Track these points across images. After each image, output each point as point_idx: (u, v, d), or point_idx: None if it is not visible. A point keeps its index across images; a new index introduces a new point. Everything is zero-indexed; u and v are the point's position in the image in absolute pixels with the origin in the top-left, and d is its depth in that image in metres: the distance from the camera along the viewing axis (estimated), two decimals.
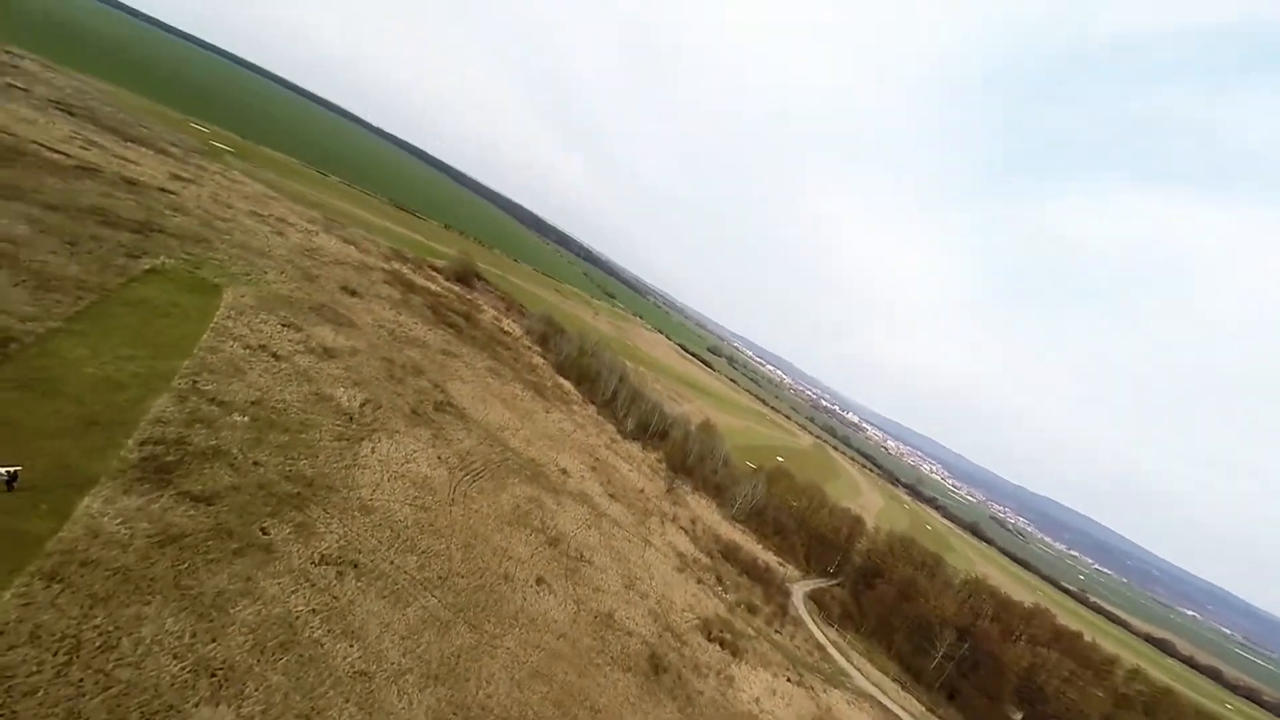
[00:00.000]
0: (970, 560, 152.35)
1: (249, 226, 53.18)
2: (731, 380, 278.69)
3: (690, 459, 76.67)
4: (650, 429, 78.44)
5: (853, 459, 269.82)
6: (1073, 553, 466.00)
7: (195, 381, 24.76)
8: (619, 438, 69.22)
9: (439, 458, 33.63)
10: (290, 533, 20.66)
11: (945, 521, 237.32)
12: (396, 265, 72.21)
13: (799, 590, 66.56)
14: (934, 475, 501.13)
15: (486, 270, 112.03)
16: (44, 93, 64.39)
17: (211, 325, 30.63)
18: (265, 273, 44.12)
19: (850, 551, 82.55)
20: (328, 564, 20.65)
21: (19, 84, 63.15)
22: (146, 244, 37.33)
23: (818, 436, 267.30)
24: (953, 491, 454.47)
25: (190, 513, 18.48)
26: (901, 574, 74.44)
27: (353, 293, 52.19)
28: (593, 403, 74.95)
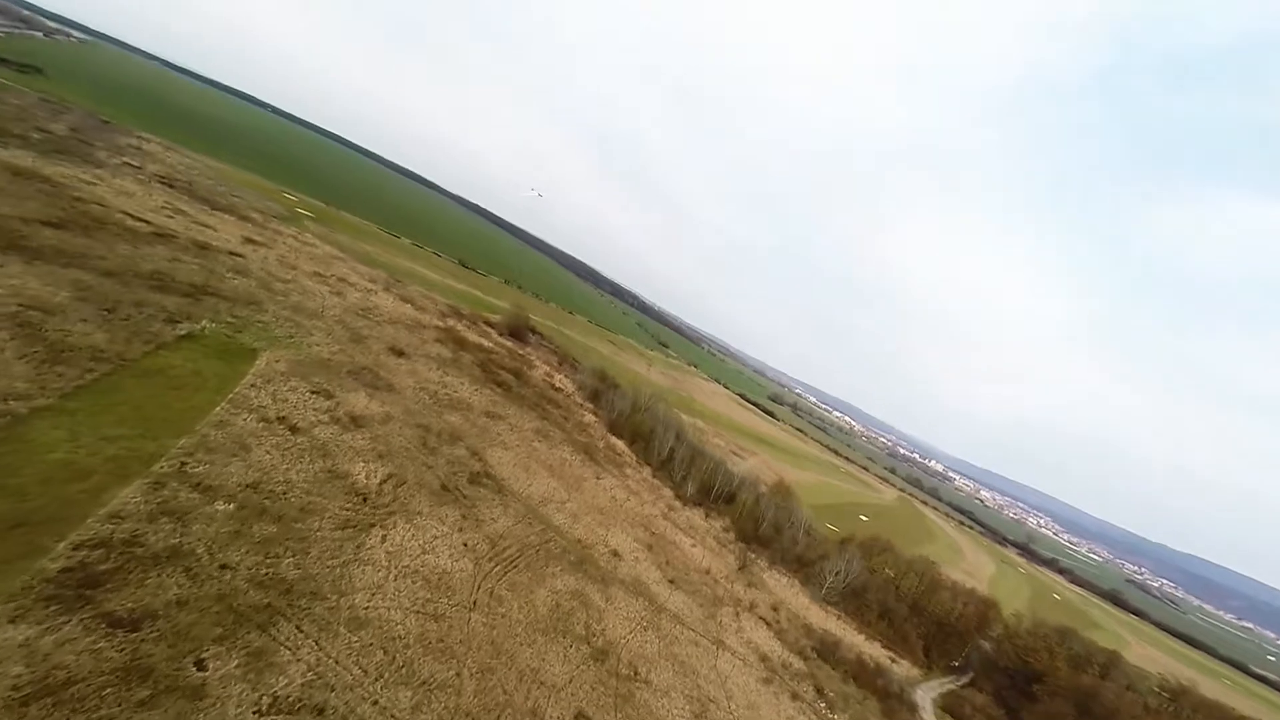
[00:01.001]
0: (1123, 639, 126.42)
1: (308, 287, 53.44)
2: (798, 430, 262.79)
3: (763, 526, 67.83)
4: (714, 491, 70.90)
5: (946, 514, 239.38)
6: (1246, 624, 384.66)
7: (184, 464, 21.71)
8: (678, 504, 62.37)
9: (465, 545, 28.88)
10: (237, 666, 16.03)
11: (1074, 588, 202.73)
12: (451, 322, 71.42)
13: (925, 697, 53.96)
14: (1044, 530, 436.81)
15: (540, 324, 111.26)
16: (154, 169, 70.57)
17: (230, 395, 28.27)
18: (311, 335, 42.89)
19: (977, 639, 67.91)
20: (279, 712, 15.70)
21: (134, 162, 69.60)
22: (194, 308, 36.73)
23: (901, 490, 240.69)
24: (1071, 549, 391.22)
25: (99, 644, 14.32)
26: (1067, 678, 59.56)
27: (400, 353, 50.42)
28: (648, 464, 68.95)
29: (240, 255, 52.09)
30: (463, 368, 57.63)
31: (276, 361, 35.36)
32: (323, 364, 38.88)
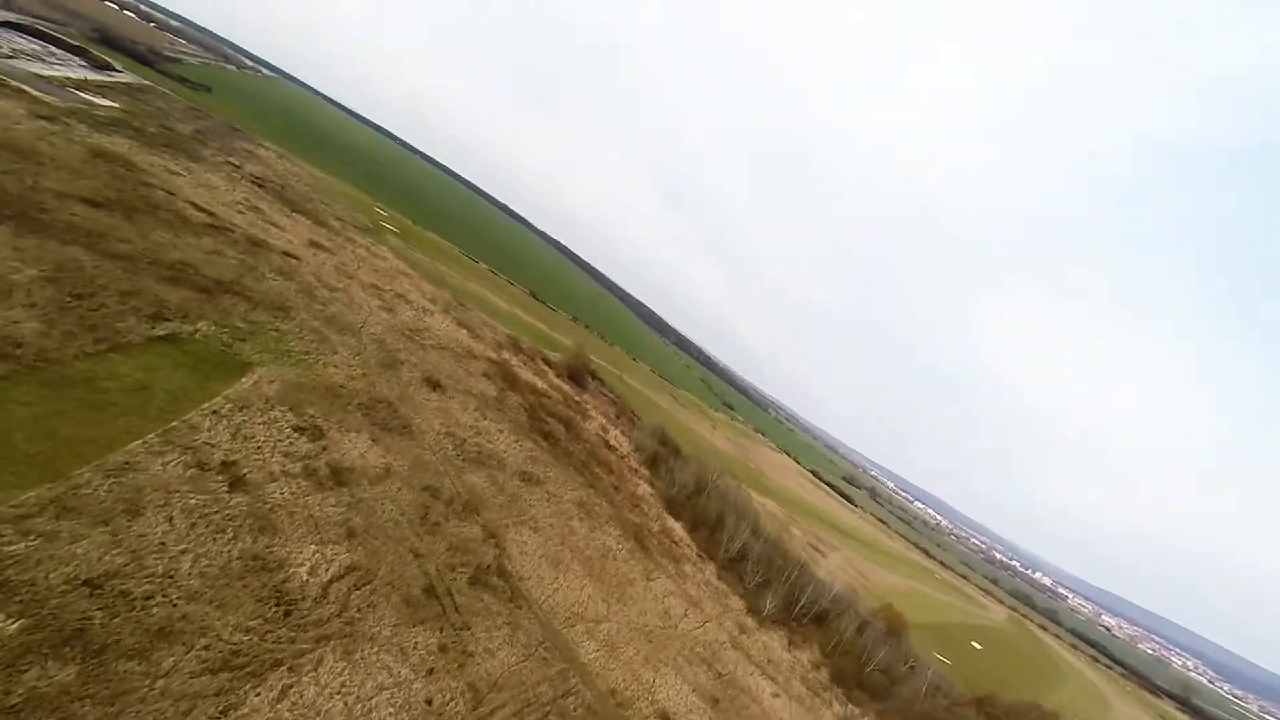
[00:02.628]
0: None
1: (356, 299, 48.13)
2: (879, 520, 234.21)
3: (870, 669, 52.17)
4: (796, 605, 56.00)
5: (1072, 645, 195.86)
6: None
7: None
8: (751, 622, 48.94)
9: (429, 704, 18.88)
10: None
11: None
12: (506, 355, 64.44)
13: None
14: (1197, 676, 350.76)
15: (602, 367, 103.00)
16: (252, 169, 71.09)
17: (170, 425, 20.80)
18: (333, 353, 36.24)
19: None
20: None
21: (236, 161, 70.47)
22: (201, 307, 30.93)
23: (1011, 608, 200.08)
24: (1238, 705, 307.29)
25: None
26: None
27: (436, 385, 43.02)
28: (712, 559, 56.25)
29: (295, 257, 47.87)
30: (506, 411, 49.47)
31: (269, 382, 28.31)
32: (330, 391, 31.59)
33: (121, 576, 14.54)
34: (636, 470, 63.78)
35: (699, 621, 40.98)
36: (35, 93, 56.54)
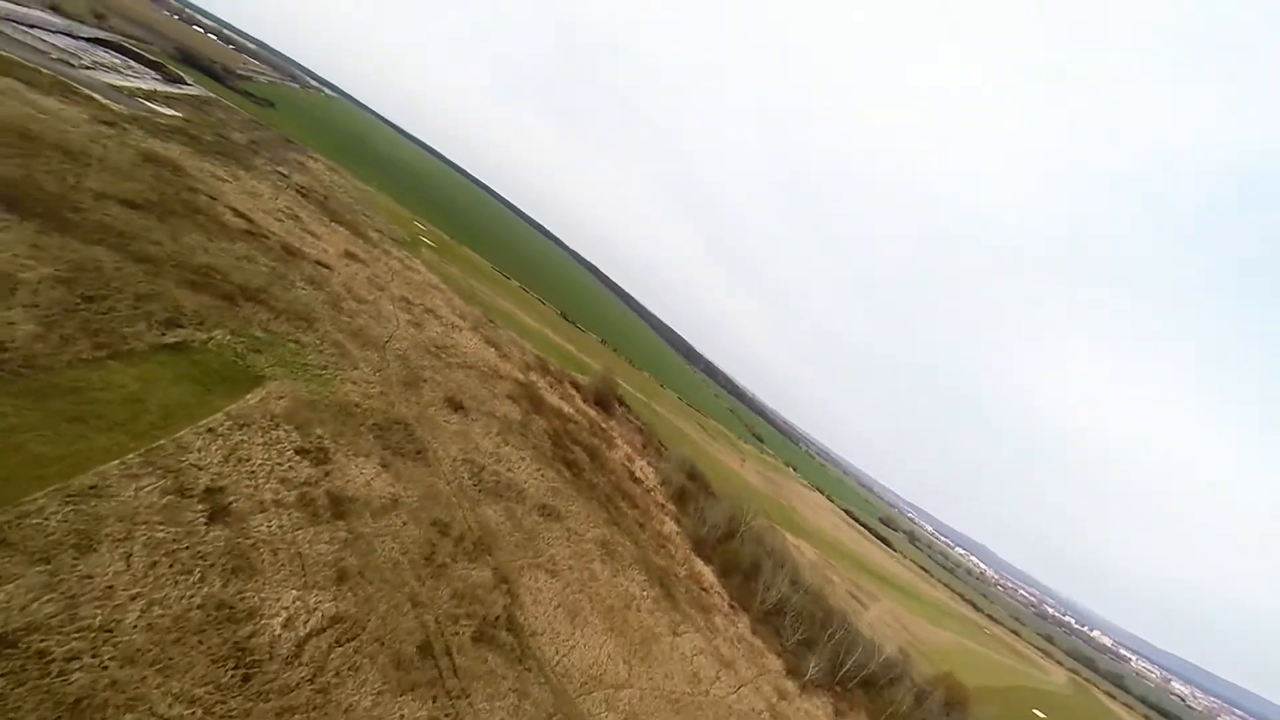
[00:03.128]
0: None
1: (385, 312, 46.87)
2: (921, 568, 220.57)
3: None
4: (842, 668, 50.46)
5: (1145, 718, 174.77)
6: None
7: None
8: (791, 685, 43.94)
9: None
10: None
11: None
12: (534, 377, 62.29)
13: None
14: None
15: (629, 394, 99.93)
16: (299, 179, 72.28)
17: (157, 443, 18.80)
18: (353, 369, 34.48)
19: None
20: None
21: (284, 171, 71.80)
22: (220, 314, 29.60)
23: (1071, 670, 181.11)
24: None
25: None
26: None
27: (458, 407, 40.87)
28: (745, 610, 51.48)
29: (328, 267, 47.10)
30: (530, 437, 46.91)
31: (278, 398, 26.43)
32: (343, 410, 29.58)
33: (45, 631, 12.14)
34: (663, 506, 60.07)
35: (733, 685, 36.67)
36: (103, 100, 58.40)
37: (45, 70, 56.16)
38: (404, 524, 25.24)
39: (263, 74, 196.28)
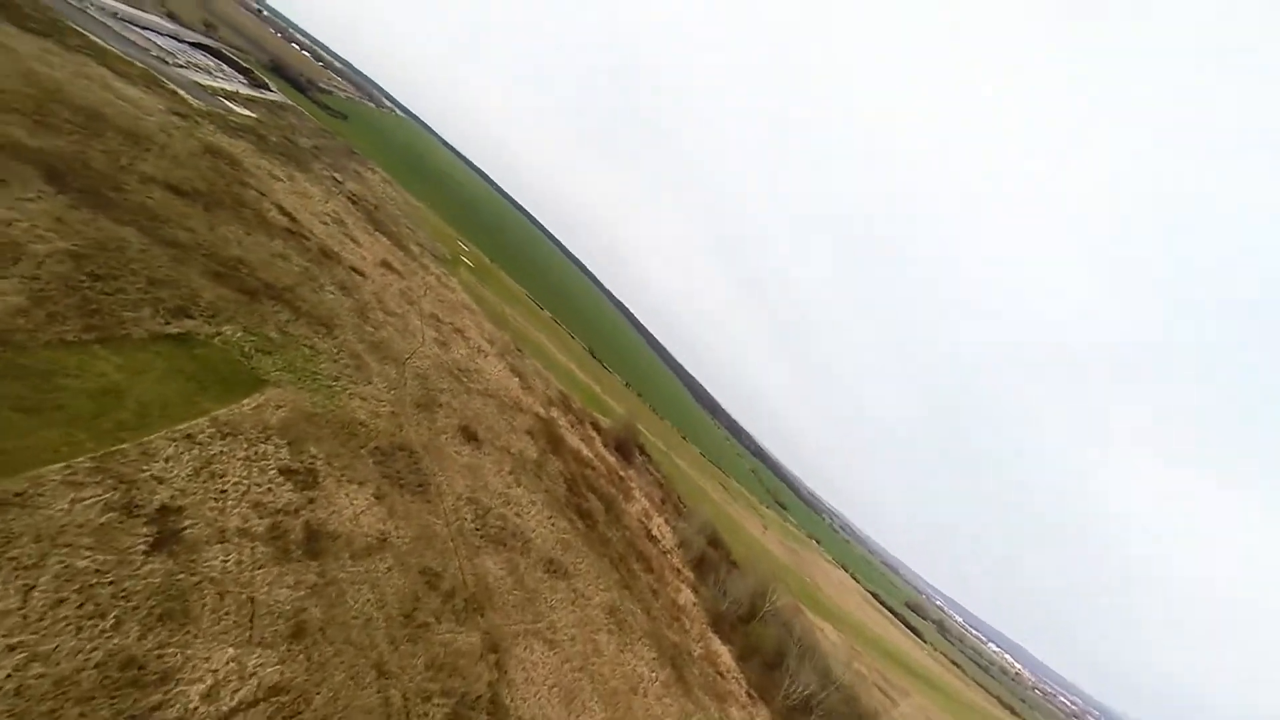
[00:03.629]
0: None
1: (412, 327, 45.05)
2: (952, 663, 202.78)
3: None
4: None
5: None
6: None
7: None
8: None
9: None
10: None
11: None
12: (555, 413, 59.34)
13: None
14: None
15: (650, 443, 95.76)
16: (352, 187, 73.33)
17: (117, 447, 16.21)
18: (367, 383, 32.11)
19: None
20: None
21: (339, 176, 72.99)
22: (235, 309, 27.76)
23: None
24: None
25: None
26: None
27: (472, 437, 37.96)
28: (766, 702, 45.57)
29: (362, 274, 45.90)
30: (544, 479, 43.52)
31: (277, 407, 23.94)
32: (346, 428, 26.93)
33: None
34: (680, 572, 55.12)
35: None
36: (184, 94, 60.29)
37: (139, 64, 58.39)
38: (388, 570, 21.90)
39: (343, 90, 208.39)
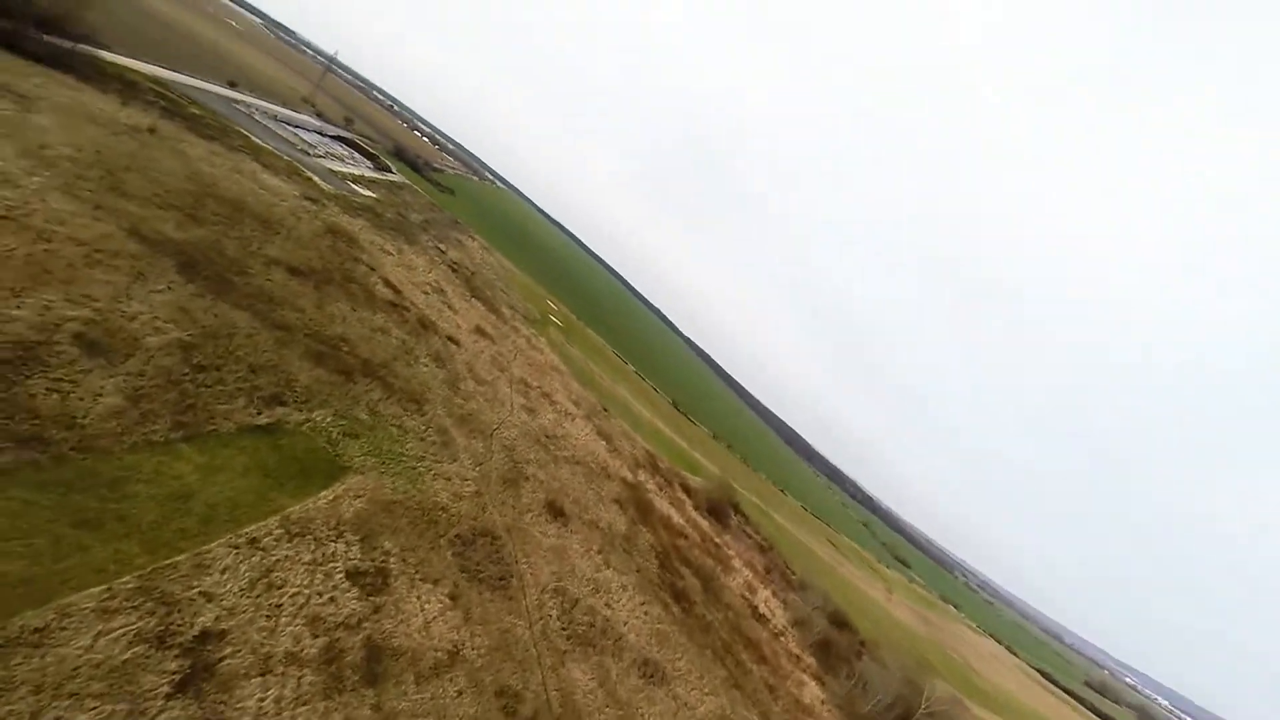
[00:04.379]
0: None
1: (501, 395, 44.43)
2: None
3: None
4: None
5: None
6: None
7: None
8: None
9: None
10: None
11: None
12: (643, 477, 55.86)
13: None
14: None
15: (746, 500, 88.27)
16: (454, 255, 77.77)
17: (168, 561, 15.00)
18: (452, 460, 30.86)
19: None
20: None
21: (442, 246, 77.85)
22: (330, 392, 27.78)
23: None
24: None
25: None
26: None
27: (559, 513, 35.39)
28: None
29: (456, 342, 46.52)
30: (635, 555, 39.76)
31: (355, 497, 22.76)
32: (426, 515, 25.27)
33: None
34: (799, 659, 47.93)
35: None
36: (318, 180, 67.58)
37: (285, 156, 66.53)
38: (458, 695, 19.05)
39: (453, 168, 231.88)
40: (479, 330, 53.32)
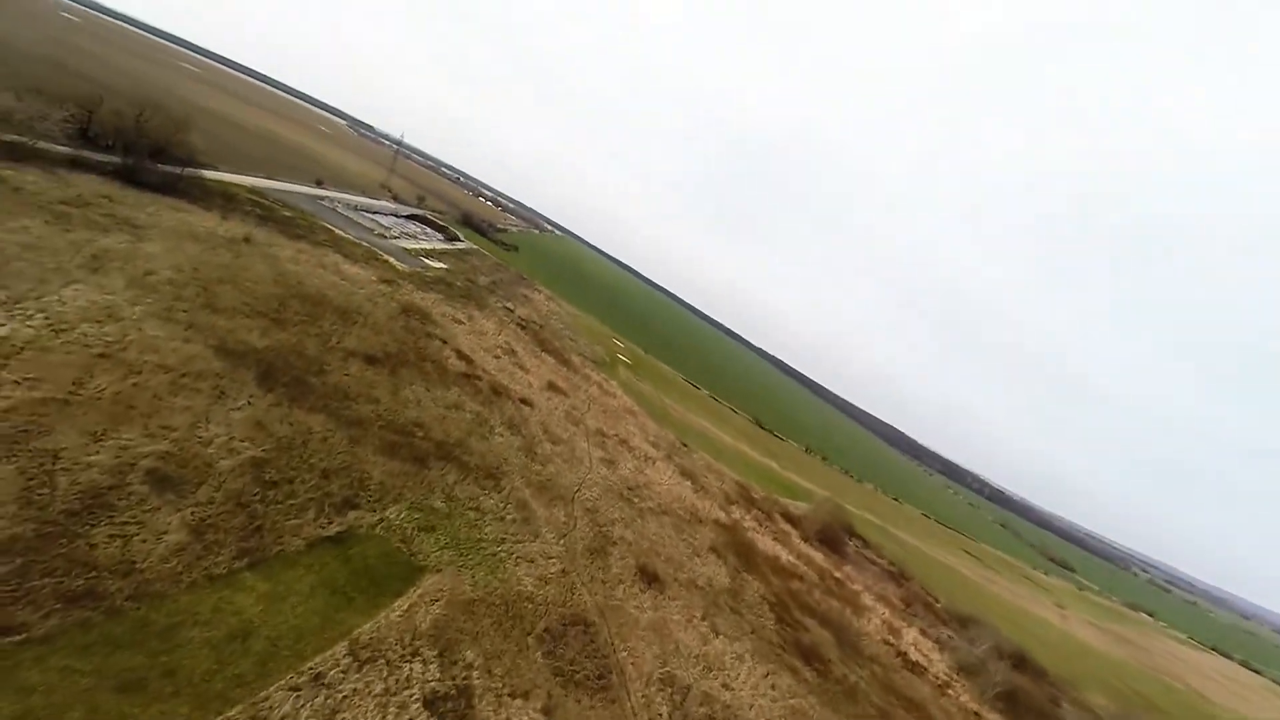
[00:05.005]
0: None
1: (578, 451, 42.60)
2: None
3: None
4: None
5: None
6: None
7: None
8: None
9: None
10: None
11: None
12: (737, 514, 51.34)
13: None
14: None
15: (859, 518, 79.45)
16: (522, 312, 79.02)
17: (222, 716, 13.69)
18: (534, 538, 28.90)
19: None
20: None
21: (511, 306, 79.46)
22: (406, 481, 26.96)
23: None
24: None
25: None
26: None
27: (652, 578, 32.26)
28: None
29: (529, 404, 45.60)
30: (746, 612, 35.53)
31: (433, 600, 21.11)
32: (510, 609, 23.17)
33: None
34: (980, 717, 40.71)
35: None
36: (393, 261, 71.25)
37: (364, 244, 70.99)
38: None
39: (515, 226, 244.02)
40: (551, 386, 52.46)
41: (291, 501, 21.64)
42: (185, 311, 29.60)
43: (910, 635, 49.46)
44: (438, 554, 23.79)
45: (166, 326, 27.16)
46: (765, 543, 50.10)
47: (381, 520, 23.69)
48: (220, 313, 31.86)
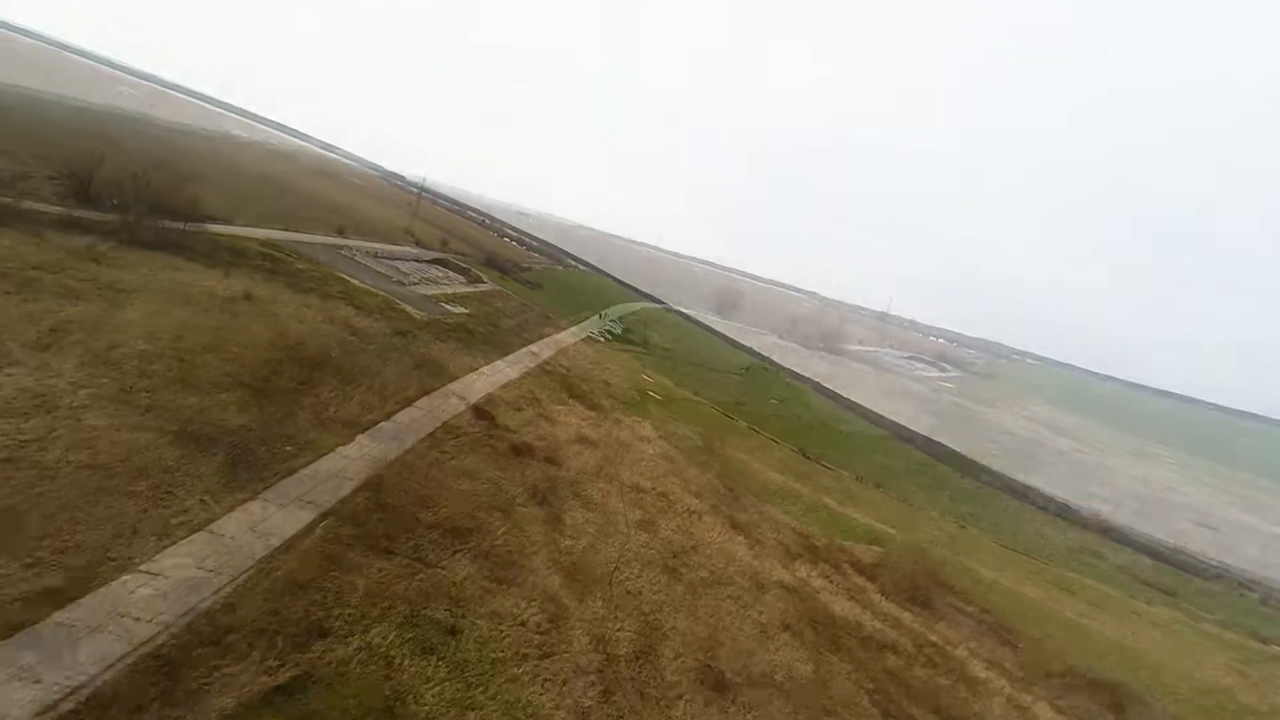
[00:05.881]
0: None
1: (613, 514, 36.44)
2: None
3: None
4: None
5: None
6: None
7: None
8: None
9: None
10: None
11: None
12: (803, 571, 43.87)
13: None
14: None
15: (944, 559, 68.97)
16: (547, 356, 74.65)
17: None
18: (566, 647, 22.96)
19: None
20: None
21: (535, 349, 75.12)
22: (400, 585, 21.70)
23: None
24: None
25: None
26: None
27: (717, 683, 25.63)
28: None
29: (556, 464, 40.19)
30: (843, 712, 28.28)
31: None
32: None
33: None
34: None
35: None
36: (410, 310, 67.38)
37: (381, 292, 67.72)
38: None
39: (540, 264, 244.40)
40: (580, 439, 47.06)
41: (230, 638, 16.47)
42: (147, 392, 25.62)
43: (1046, 715, 40.56)
44: (434, 691, 18.13)
45: (115, 412, 23.05)
46: (842, 605, 42.44)
47: (360, 650, 18.28)
48: (193, 388, 27.88)
